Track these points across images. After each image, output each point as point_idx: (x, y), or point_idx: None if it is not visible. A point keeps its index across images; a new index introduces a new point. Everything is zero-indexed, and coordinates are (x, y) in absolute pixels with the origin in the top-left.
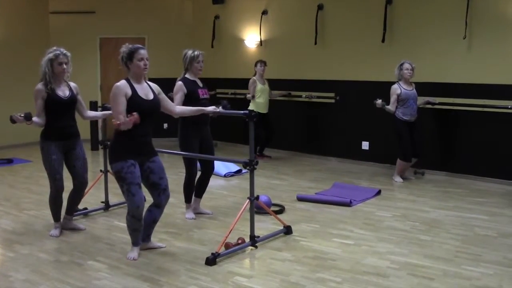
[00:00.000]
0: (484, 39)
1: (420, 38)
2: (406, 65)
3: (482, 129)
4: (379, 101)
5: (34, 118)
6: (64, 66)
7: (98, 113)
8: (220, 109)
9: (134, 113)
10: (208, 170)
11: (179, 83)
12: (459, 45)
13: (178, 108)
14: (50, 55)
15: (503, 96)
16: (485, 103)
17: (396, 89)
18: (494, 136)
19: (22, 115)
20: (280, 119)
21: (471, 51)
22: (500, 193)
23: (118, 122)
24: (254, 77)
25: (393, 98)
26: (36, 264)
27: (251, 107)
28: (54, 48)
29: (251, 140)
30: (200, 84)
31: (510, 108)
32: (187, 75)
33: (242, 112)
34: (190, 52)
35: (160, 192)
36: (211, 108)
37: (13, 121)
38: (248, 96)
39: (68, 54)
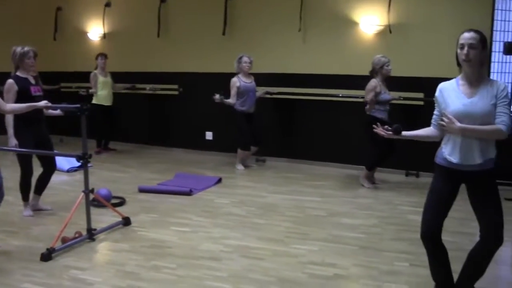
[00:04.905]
0: (316, 32)
1: (259, 31)
2: (245, 59)
3: (318, 117)
4: (217, 96)
5: None
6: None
7: None
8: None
9: None
10: (50, 167)
11: (10, 81)
12: (295, 37)
13: (8, 106)
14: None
15: (335, 85)
16: (320, 92)
17: (235, 82)
18: (329, 122)
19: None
20: (125, 112)
21: (305, 43)
22: (335, 176)
23: None
24: (95, 71)
25: (233, 91)
26: None
27: (94, 100)
28: None
29: (84, 133)
30: (33, 81)
31: (341, 97)
32: (18, 73)
33: (73, 106)
34: (19, 49)
35: None
36: (43, 103)
37: None
38: (91, 90)
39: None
